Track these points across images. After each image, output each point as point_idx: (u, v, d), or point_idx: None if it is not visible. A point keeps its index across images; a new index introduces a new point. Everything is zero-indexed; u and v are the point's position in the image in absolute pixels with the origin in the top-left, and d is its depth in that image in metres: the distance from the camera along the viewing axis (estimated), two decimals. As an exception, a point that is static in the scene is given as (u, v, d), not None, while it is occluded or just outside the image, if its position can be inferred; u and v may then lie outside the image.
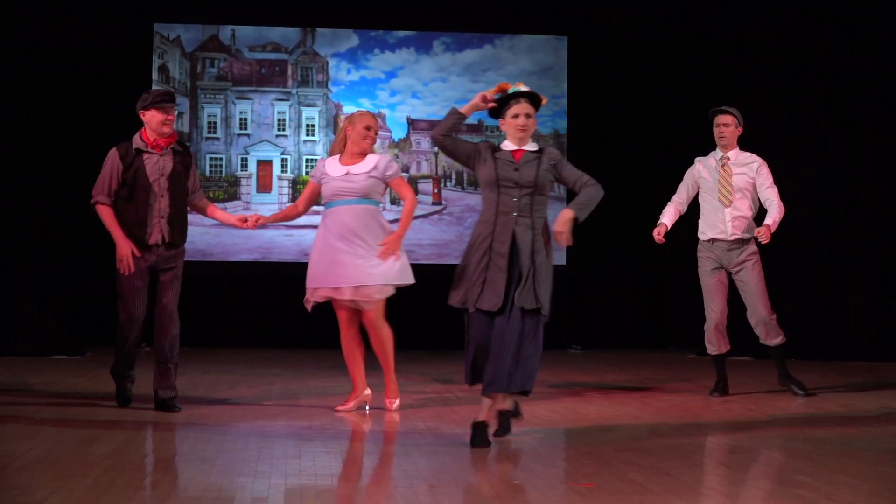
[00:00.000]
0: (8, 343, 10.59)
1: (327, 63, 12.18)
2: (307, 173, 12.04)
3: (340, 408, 7.66)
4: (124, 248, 7.33)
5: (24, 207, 10.99)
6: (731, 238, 8.44)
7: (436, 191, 12.34)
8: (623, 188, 12.36)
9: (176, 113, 7.52)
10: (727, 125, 8.54)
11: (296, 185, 11.97)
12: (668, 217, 8.65)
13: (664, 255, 12.15)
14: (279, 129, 12.11)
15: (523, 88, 6.65)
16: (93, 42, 11.58)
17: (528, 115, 6.60)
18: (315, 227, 7.83)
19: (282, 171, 12.09)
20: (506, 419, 6.69)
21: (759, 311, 8.44)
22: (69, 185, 10.61)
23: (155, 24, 11.97)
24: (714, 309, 8.48)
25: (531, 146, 6.60)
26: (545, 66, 12.47)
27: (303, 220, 11.76)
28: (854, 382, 9.56)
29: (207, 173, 12.00)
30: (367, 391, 7.76)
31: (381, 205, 7.71)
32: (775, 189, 8.46)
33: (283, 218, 8.10)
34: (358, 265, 7.40)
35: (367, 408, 7.72)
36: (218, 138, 12.03)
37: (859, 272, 11.48)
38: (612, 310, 12.45)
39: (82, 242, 10.96)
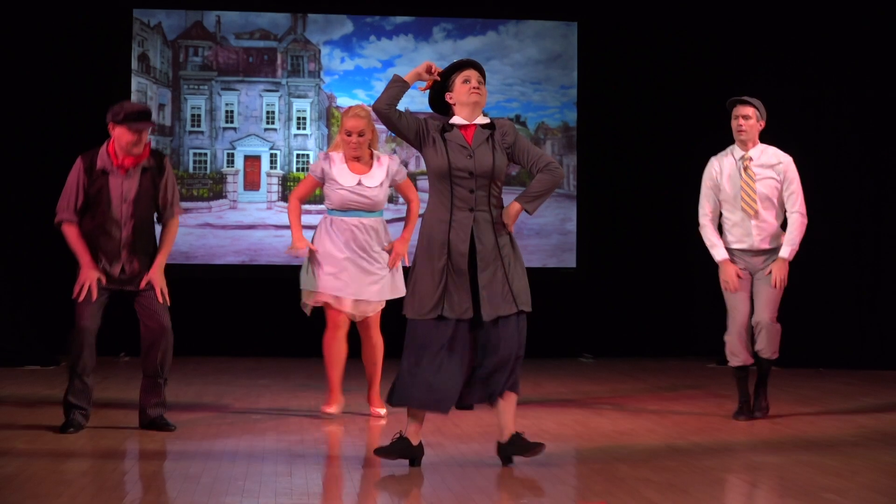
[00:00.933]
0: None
1: (319, 51, 12.18)
2: (298, 169, 12.05)
3: (327, 409, 7.92)
4: (91, 273, 7.10)
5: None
6: (759, 249, 8.15)
7: (436, 188, 12.33)
8: (637, 185, 12.39)
9: (149, 132, 7.15)
10: (747, 118, 8.16)
11: (286, 183, 11.98)
12: (722, 246, 8.15)
13: (681, 257, 12.16)
14: (268, 123, 12.12)
15: (466, 59, 6.51)
16: (67, 29, 11.58)
17: (480, 81, 6.36)
18: (314, 227, 7.93)
19: (271, 168, 12.10)
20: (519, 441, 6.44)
21: (765, 316, 8.11)
22: (41, 187, 10.58)
23: (134, 10, 11.97)
24: (738, 315, 8.16)
25: (482, 119, 6.38)
26: (553, 54, 12.47)
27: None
28: (885, 393, 9.56)
29: (191, 170, 12.01)
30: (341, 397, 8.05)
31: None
32: (800, 198, 8.12)
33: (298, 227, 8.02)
34: (361, 279, 7.74)
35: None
36: (202, 132, 12.03)
37: (890, 278, 11.47)
38: (625, 316, 12.45)
39: (56, 249, 10.92)
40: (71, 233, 7.17)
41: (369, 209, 7.79)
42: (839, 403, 8.94)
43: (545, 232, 12.32)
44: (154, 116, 11.86)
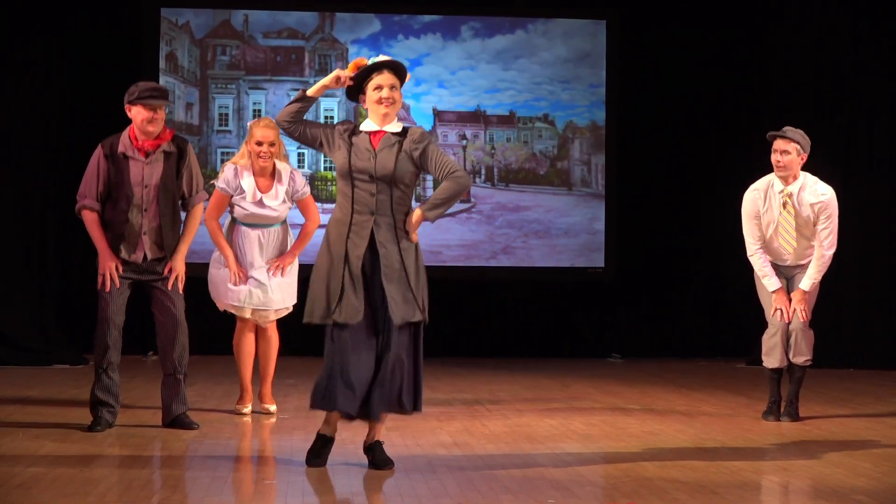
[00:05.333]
0: (8, 352, 10.69)
1: (347, 50, 12.20)
2: (325, 168, 12.06)
3: (241, 407, 8.09)
4: (107, 262, 7.13)
5: (24, 211, 11.09)
6: (793, 265, 8.13)
7: (464, 187, 12.32)
8: (666, 184, 12.35)
9: (165, 110, 7.22)
10: (786, 153, 7.92)
11: (313, 182, 11.99)
12: (775, 275, 8.07)
13: (710, 257, 12.13)
14: (296, 122, 12.11)
15: (384, 58, 6.32)
16: (95, 28, 11.63)
17: (392, 87, 6.21)
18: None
19: (298, 166, 12.10)
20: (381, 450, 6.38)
21: (798, 321, 8.04)
22: (67, 186, 10.62)
23: (162, 9, 12.00)
24: (776, 318, 8.10)
25: (394, 126, 6.26)
26: (582, 53, 12.45)
27: (322, 219, 11.86)
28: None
29: (218, 169, 12.01)
30: None
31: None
32: (833, 235, 7.97)
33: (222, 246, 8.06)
34: (262, 288, 7.99)
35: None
36: (230, 131, 12.06)
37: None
38: (654, 316, 12.42)
39: (82, 248, 11.01)
40: (90, 220, 7.18)
41: (270, 223, 8.01)
42: (870, 405, 8.90)
43: (573, 231, 12.30)
44: (182, 116, 11.90)
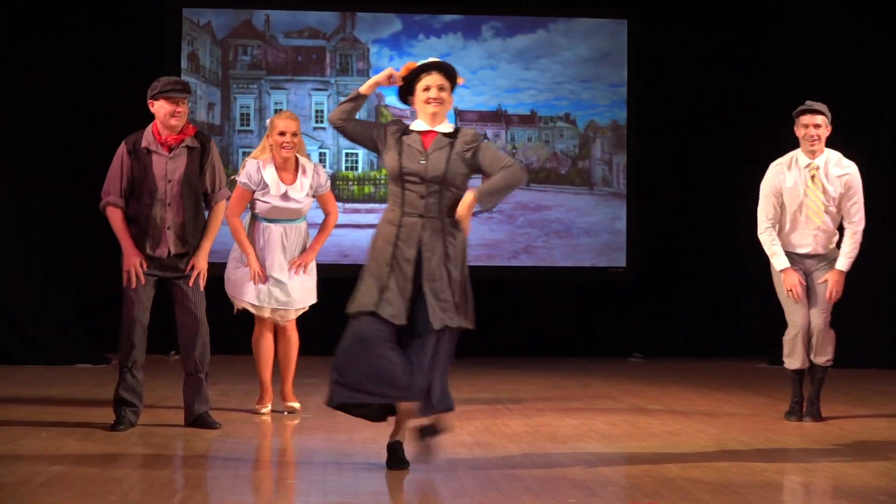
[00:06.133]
0: (30, 351, 10.75)
1: (368, 50, 12.20)
2: (347, 168, 12.08)
3: (260, 407, 8.10)
4: (132, 258, 7.14)
5: (46, 209, 11.15)
6: (815, 254, 8.03)
7: (485, 187, 12.31)
8: (687, 184, 12.33)
9: (188, 105, 7.22)
10: (818, 126, 7.92)
11: (335, 182, 11.99)
12: (784, 253, 8.00)
13: (732, 256, 12.10)
14: (317, 122, 12.15)
15: (433, 60, 6.31)
16: (117, 29, 11.68)
17: (441, 88, 6.18)
18: (361, 226, 8.06)
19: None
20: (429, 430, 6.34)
21: (819, 321, 7.99)
22: (90, 186, 10.63)
23: (184, 9, 12.03)
24: (798, 316, 8.01)
25: (445, 127, 6.22)
26: (603, 52, 12.43)
27: (343, 219, 11.86)
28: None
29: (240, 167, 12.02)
30: None
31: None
32: (861, 210, 7.96)
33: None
34: (282, 286, 7.99)
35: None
36: (251, 131, 12.08)
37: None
38: (676, 315, 12.40)
39: (105, 247, 11.04)
40: (115, 217, 7.20)
41: (294, 217, 7.99)
42: (893, 405, 8.87)
43: (595, 231, 12.29)
44: (203, 116, 11.93)
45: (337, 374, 6.14)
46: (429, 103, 6.19)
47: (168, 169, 7.19)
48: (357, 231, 11.92)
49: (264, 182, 7.90)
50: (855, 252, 7.97)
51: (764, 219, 8.07)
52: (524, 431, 7.32)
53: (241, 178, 7.95)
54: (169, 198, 7.18)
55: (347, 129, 6.22)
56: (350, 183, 11.99)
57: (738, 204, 11.60)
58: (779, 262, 8.02)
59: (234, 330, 9.68)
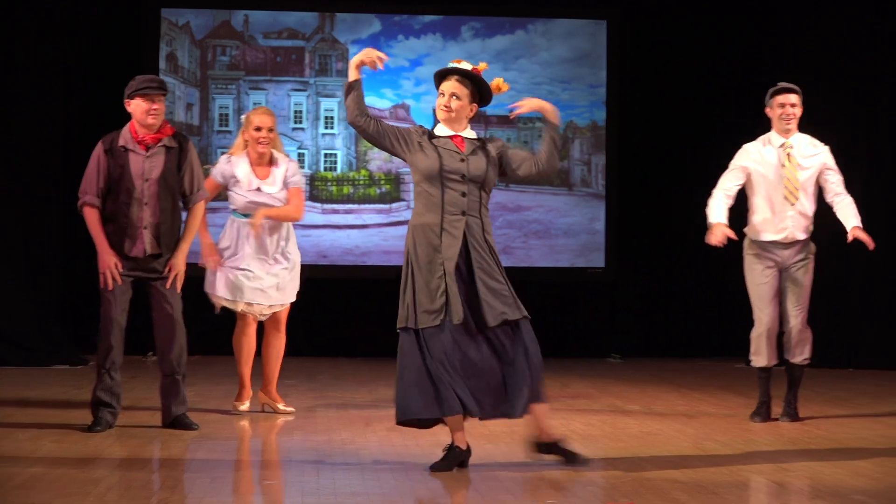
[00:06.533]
0: (7, 353, 10.70)
1: (347, 50, 12.19)
2: (326, 168, 12.07)
3: (239, 405, 8.10)
4: (107, 260, 7.11)
5: (22, 210, 11.10)
6: (792, 240, 8.02)
7: (464, 187, 12.31)
8: (666, 184, 12.35)
9: (164, 102, 7.21)
10: (794, 105, 8.00)
11: (314, 182, 11.99)
12: (723, 212, 7.99)
13: (710, 257, 12.10)
14: (296, 122, 12.14)
15: (459, 65, 6.31)
16: (96, 29, 11.64)
17: (455, 96, 6.22)
18: (340, 227, 8.01)
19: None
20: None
21: (797, 320, 8.01)
22: (68, 186, 10.64)
23: (163, 10, 12.01)
24: (765, 314, 8.04)
25: (470, 132, 6.29)
26: (582, 53, 12.45)
27: (321, 220, 11.90)
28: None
29: (219, 169, 12.02)
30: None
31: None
32: (842, 181, 8.03)
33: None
34: (261, 281, 7.95)
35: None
36: (230, 132, 12.06)
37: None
38: (654, 316, 12.43)
39: (83, 249, 11.02)
40: (91, 217, 7.17)
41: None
42: (869, 405, 8.90)
43: (573, 231, 12.30)
44: (182, 116, 11.91)
45: (407, 391, 6.13)
46: (439, 109, 6.25)
47: (145, 168, 7.17)
48: (336, 232, 11.92)
49: (236, 177, 7.88)
50: (857, 211, 7.96)
51: (721, 187, 8.05)
52: (502, 432, 7.33)
53: (214, 170, 7.97)
54: (146, 197, 7.16)
55: (370, 129, 6.18)
56: (329, 183, 11.98)
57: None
58: (712, 214, 7.98)
59: (213, 331, 9.68)
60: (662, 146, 12.36)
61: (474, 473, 6.13)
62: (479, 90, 6.31)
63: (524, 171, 6.35)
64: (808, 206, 8.01)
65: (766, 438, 7.36)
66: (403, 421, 6.21)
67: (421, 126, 6.32)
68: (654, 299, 12.41)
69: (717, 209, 8.00)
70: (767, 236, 8.04)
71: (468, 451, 6.27)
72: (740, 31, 12.22)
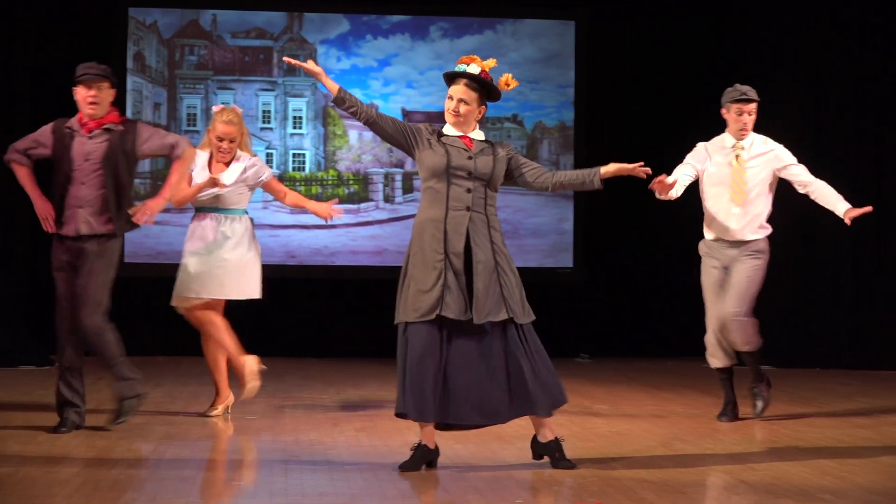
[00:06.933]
0: (-28, 353, 10.66)
1: (316, 50, 12.18)
2: (294, 168, 12.05)
3: (212, 412, 7.95)
4: (45, 206, 7.17)
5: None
6: (737, 239, 7.99)
7: (433, 188, 12.29)
8: (634, 184, 12.33)
9: (108, 90, 7.27)
10: (751, 114, 8.07)
11: (282, 181, 11.95)
12: (679, 176, 7.99)
13: (678, 257, 12.15)
14: (264, 122, 12.12)
15: (468, 68, 6.33)
16: (62, 28, 11.58)
17: (463, 101, 6.26)
18: (308, 227, 7.99)
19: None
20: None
21: (730, 308, 7.89)
22: (39, 185, 10.59)
23: (130, 9, 11.96)
24: (712, 314, 8.07)
25: (479, 134, 6.34)
26: (551, 53, 12.47)
27: (290, 219, 11.87)
28: (882, 393, 9.57)
29: (187, 169, 11.99)
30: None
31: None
32: (806, 169, 7.99)
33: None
34: (206, 276, 7.86)
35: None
36: (198, 131, 12.01)
37: (888, 278, 11.46)
38: (622, 316, 12.45)
39: (50, 247, 10.98)
40: (20, 172, 7.31)
41: (223, 206, 7.88)
42: (836, 404, 8.95)
43: (542, 231, 12.32)
44: (150, 116, 11.87)
45: (406, 385, 6.13)
46: (447, 113, 6.31)
47: (87, 150, 7.19)
48: (304, 231, 11.90)
49: (194, 168, 7.85)
50: (836, 191, 7.94)
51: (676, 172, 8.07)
52: (471, 432, 7.32)
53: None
54: (83, 176, 7.16)
55: (380, 125, 6.26)
56: (297, 183, 11.95)
57: (684, 205, 11.69)
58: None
59: (180, 332, 9.64)
60: (630, 147, 12.35)
61: (443, 473, 6.14)
62: (487, 92, 6.38)
63: (521, 183, 6.43)
64: (758, 207, 7.99)
65: (733, 438, 7.39)
66: (399, 414, 6.25)
67: (431, 125, 6.39)
68: (622, 299, 12.43)
69: (679, 174, 8.05)
70: (714, 235, 8.08)
71: (436, 451, 6.28)
72: (709, 31, 12.26)
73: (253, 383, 7.88)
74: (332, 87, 6.34)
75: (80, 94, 7.24)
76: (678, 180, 7.89)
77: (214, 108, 8.06)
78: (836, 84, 11.64)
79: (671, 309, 12.45)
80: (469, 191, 6.20)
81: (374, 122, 6.26)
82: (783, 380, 9.91)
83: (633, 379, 10.48)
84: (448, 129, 6.32)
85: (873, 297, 11.48)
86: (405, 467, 6.19)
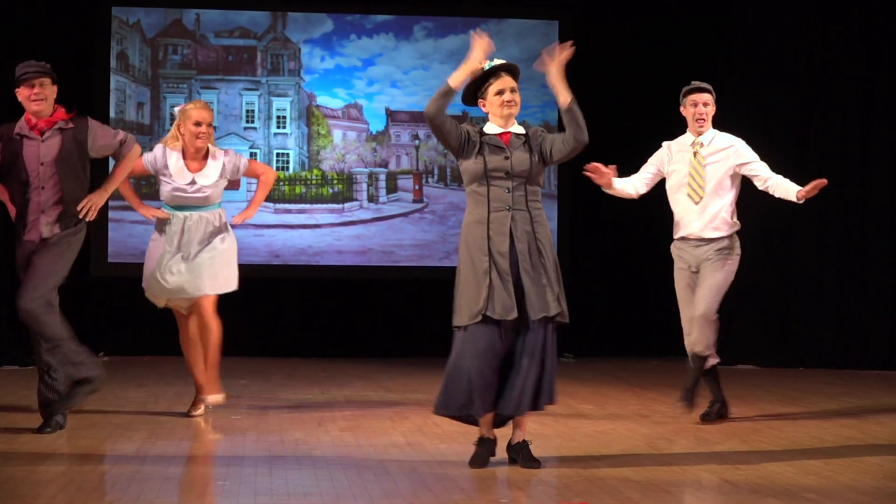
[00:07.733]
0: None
1: (299, 50, 12.17)
2: (278, 168, 12.03)
3: (195, 412, 7.93)
4: (13, 212, 7.14)
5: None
6: (699, 238, 7.92)
7: (416, 187, 12.35)
8: (619, 184, 12.39)
9: (51, 86, 7.20)
10: (707, 104, 8.03)
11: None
12: (622, 181, 8.25)
13: (663, 256, 12.17)
14: (248, 121, 12.11)
15: (499, 62, 6.46)
16: (45, 27, 11.54)
17: (513, 90, 6.42)
18: (292, 226, 7.97)
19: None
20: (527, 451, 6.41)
21: (700, 308, 7.80)
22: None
23: (113, 8, 11.93)
24: (685, 320, 8.00)
25: (517, 128, 6.41)
26: (535, 53, 12.25)
27: (274, 219, 11.87)
28: (866, 393, 9.60)
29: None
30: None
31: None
32: (765, 165, 7.88)
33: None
34: (183, 273, 7.76)
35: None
36: (181, 131, 12.00)
37: (872, 278, 11.50)
38: (607, 315, 12.46)
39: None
40: None
41: (201, 204, 7.86)
42: (820, 403, 8.97)
43: (526, 231, 12.31)
44: (133, 115, 11.85)
45: (450, 385, 6.24)
46: (503, 106, 6.36)
47: (41, 152, 7.11)
48: (288, 231, 11.89)
49: (167, 168, 7.80)
50: (790, 181, 7.84)
51: (635, 176, 8.24)
52: (456, 431, 7.33)
53: (147, 156, 7.86)
54: (41, 181, 7.09)
55: (445, 126, 6.30)
56: (281, 183, 11.95)
57: (668, 205, 11.72)
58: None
59: (164, 331, 9.63)
60: (614, 147, 12.37)
61: (427, 472, 6.14)
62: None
63: (557, 154, 6.41)
64: (719, 204, 7.90)
65: (718, 437, 7.40)
66: (440, 414, 6.36)
67: (476, 125, 6.45)
68: (607, 299, 12.44)
69: (625, 182, 8.25)
70: (679, 234, 8.06)
71: (495, 441, 6.37)
72: (692, 31, 12.29)
73: (213, 397, 7.94)
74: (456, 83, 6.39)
75: (24, 93, 7.15)
76: (629, 180, 8.22)
77: (177, 108, 8.01)
78: (820, 82, 11.67)
79: (655, 309, 12.46)
80: (509, 190, 6.27)
81: (438, 123, 6.29)
82: (767, 379, 9.95)
83: (618, 378, 10.49)
84: (489, 128, 6.37)
85: (858, 297, 11.51)
86: (475, 462, 6.27)
